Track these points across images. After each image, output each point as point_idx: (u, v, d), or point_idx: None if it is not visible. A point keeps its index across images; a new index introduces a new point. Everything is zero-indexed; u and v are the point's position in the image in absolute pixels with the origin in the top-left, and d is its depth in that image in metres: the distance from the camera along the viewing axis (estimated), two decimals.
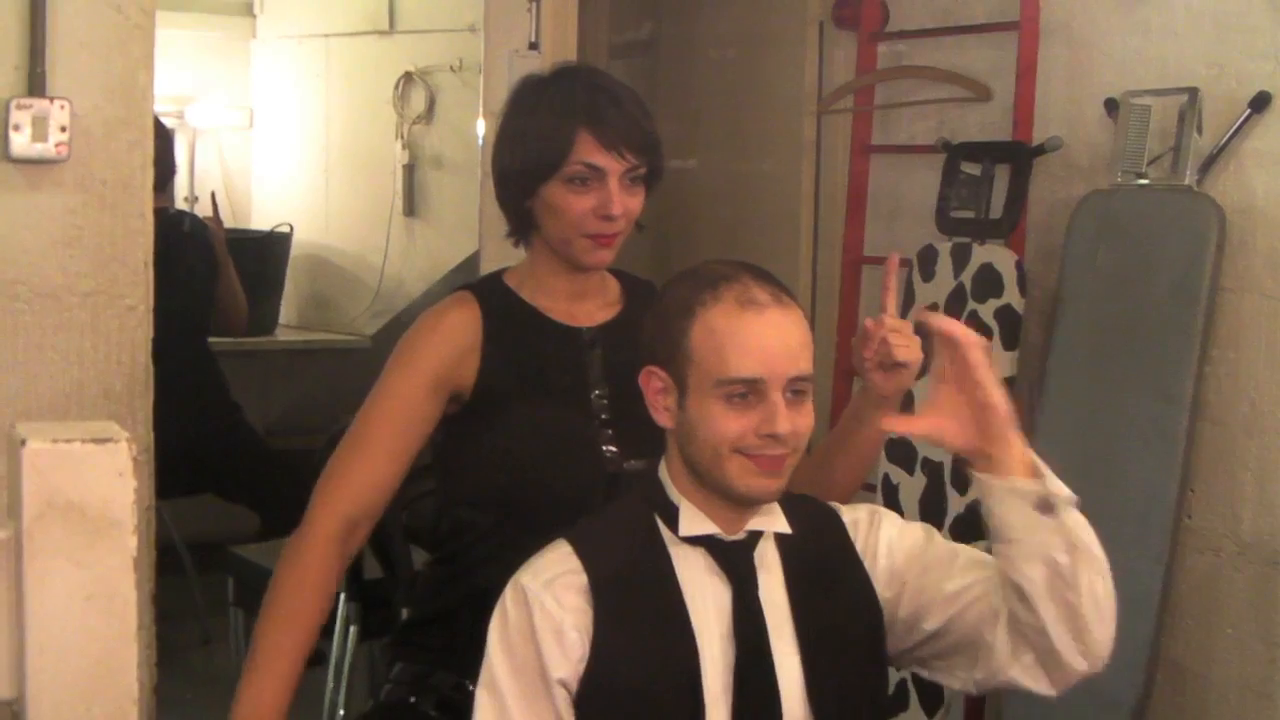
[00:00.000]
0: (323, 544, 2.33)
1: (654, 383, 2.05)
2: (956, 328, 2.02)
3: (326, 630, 3.66)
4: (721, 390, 1.97)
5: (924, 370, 2.18)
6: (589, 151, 2.32)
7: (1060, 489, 1.97)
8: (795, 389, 1.98)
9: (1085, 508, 3.35)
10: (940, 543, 2.14)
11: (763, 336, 1.97)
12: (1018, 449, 1.99)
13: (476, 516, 2.40)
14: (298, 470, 4.82)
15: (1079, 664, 1.97)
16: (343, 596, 3.58)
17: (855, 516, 2.16)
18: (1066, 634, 1.96)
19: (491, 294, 2.45)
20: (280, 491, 4.81)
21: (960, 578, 2.07)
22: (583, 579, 1.99)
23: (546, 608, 1.96)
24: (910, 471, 3.84)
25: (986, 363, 1.99)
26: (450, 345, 2.38)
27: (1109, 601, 1.99)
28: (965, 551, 2.12)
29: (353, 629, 3.58)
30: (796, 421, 1.98)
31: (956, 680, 2.09)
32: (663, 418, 2.05)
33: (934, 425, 2.02)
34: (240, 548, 4.14)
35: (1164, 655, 3.34)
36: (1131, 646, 3.22)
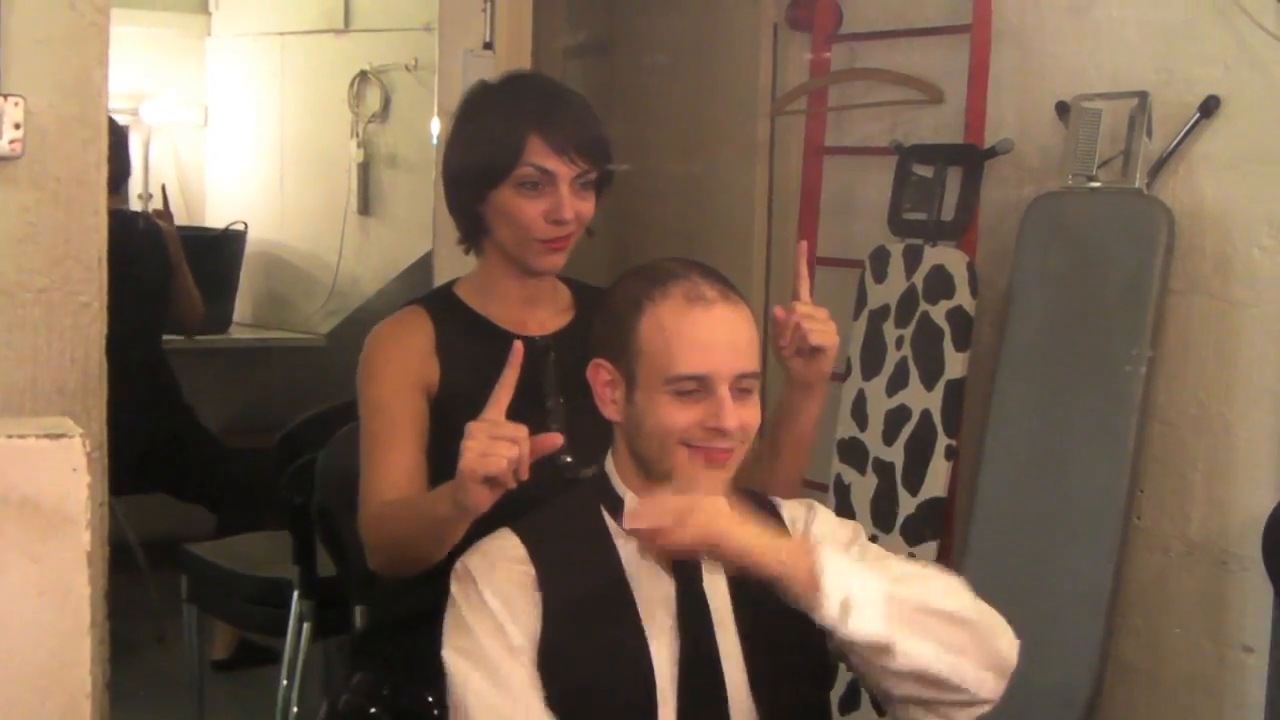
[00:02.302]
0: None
1: (601, 375, 2.07)
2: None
3: (279, 628, 3.66)
4: (670, 386, 1.99)
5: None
6: (540, 155, 2.33)
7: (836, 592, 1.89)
8: (742, 386, 2.01)
9: (1036, 507, 3.39)
10: (867, 545, 2.15)
11: (710, 333, 2.00)
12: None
13: None
14: (252, 468, 4.84)
15: (995, 691, 1.94)
16: (296, 594, 3.57)
17: (794, 514, 2.18)
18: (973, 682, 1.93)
19: (441, 307, 2.46)
20: (235, 490, 4.80)
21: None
22: (530, 571, 2.00)
23: (496, 583, 1.99)
24: (862, 471, 3.84)
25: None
26: (410, 350, 2.39)
27: (987, 621, 1.95)
28: (894, 562, 2.10)
29: (306, 626, 3.57)
30: (743, 417, 2.00)
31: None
32: (610, 411, 2.07)
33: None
34: (195, 545, 4.12)
35: (1114, 654, 3.35)
36: (1082, 645, 3.25)
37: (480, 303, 2.45)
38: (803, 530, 2.15)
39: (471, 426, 1.98)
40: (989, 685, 1.93)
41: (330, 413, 3.49)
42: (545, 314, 2.47)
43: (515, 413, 2.34)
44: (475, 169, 2.38)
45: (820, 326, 2.28)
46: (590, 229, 2.45)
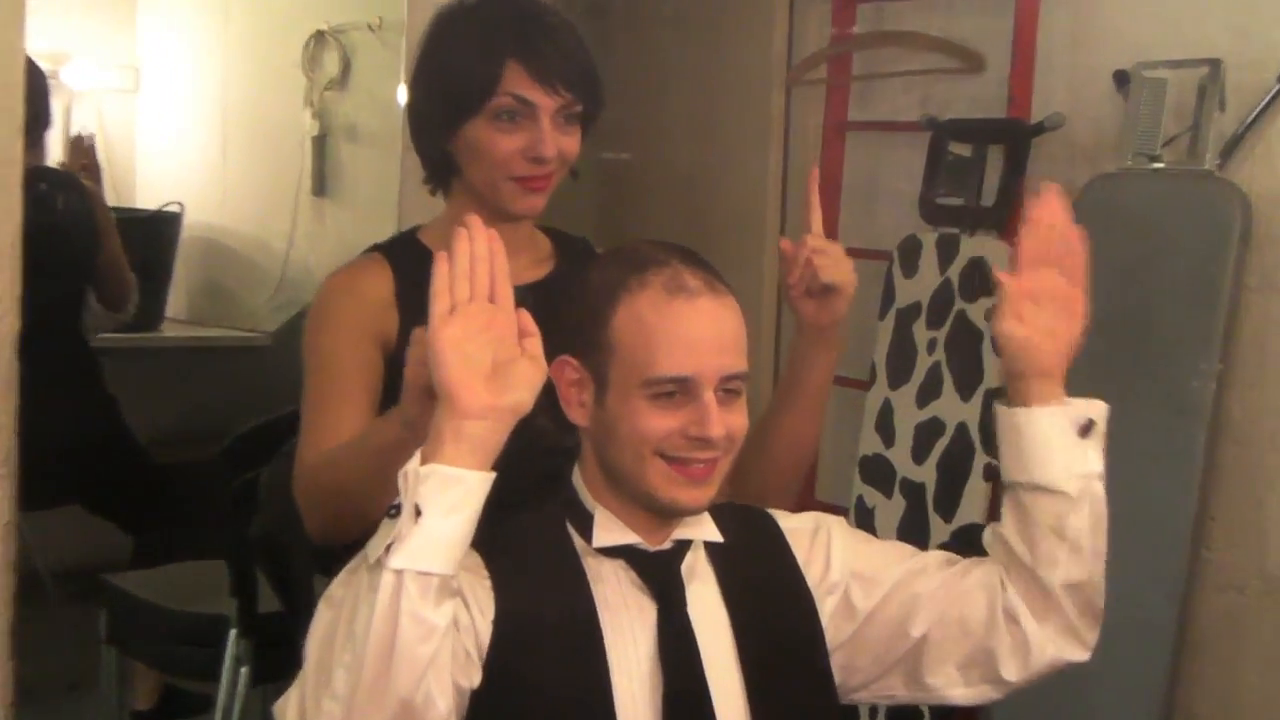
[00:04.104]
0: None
1: (568, 374, 2.04)
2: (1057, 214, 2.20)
3: (212, 672, 3.64)
4: (648, 390, 1.97)
5: None
6: (518, 84, 2.33)
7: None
8: (729, 388, 1.99)
9: None
10: (897, 543, 2.23)
11: (694, 329, 1.98)
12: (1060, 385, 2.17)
13: None
14: (181, 487, 4.81)
15: (1100, 602, 2.19)
16: (233, 633, 3.55)
17: (795, 524, 2.19)
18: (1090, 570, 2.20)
19: (403, 254, 2.45)
20: (158, 510, 4.75)
21: (938, 572, 2.15)
22: (485, 582, 1.97)
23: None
24: (888, 493, 3.83)
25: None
26: (366, 300, 2.39)
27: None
28: (930, 554, 2.20)
29: (244, 670, 3.54)
30: (730, 423, 1.98)
31: (974, 687, 2.15)
32: (576, 414, 2.05)
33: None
34: (115, 575, 4.10)
35: (1180, 705, 3.35)
36: (1143, 696, 3.23)
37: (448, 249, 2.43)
38: (809, 544, 2.15)
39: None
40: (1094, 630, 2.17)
41: (277, 423, 3.47)
42: (522, 263, 2.44)
43: None
44: (445, 99, 2.38)
45: (833, 262, 2.30)
46: (574, 170, 2.45)
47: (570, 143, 2.39)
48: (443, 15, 2.45)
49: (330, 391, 2.35)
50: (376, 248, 2.51)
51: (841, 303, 2.32)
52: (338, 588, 1.83)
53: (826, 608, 2.13)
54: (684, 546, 2.06)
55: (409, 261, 2.42)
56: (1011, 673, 2.12)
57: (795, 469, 2.49)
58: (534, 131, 2.33)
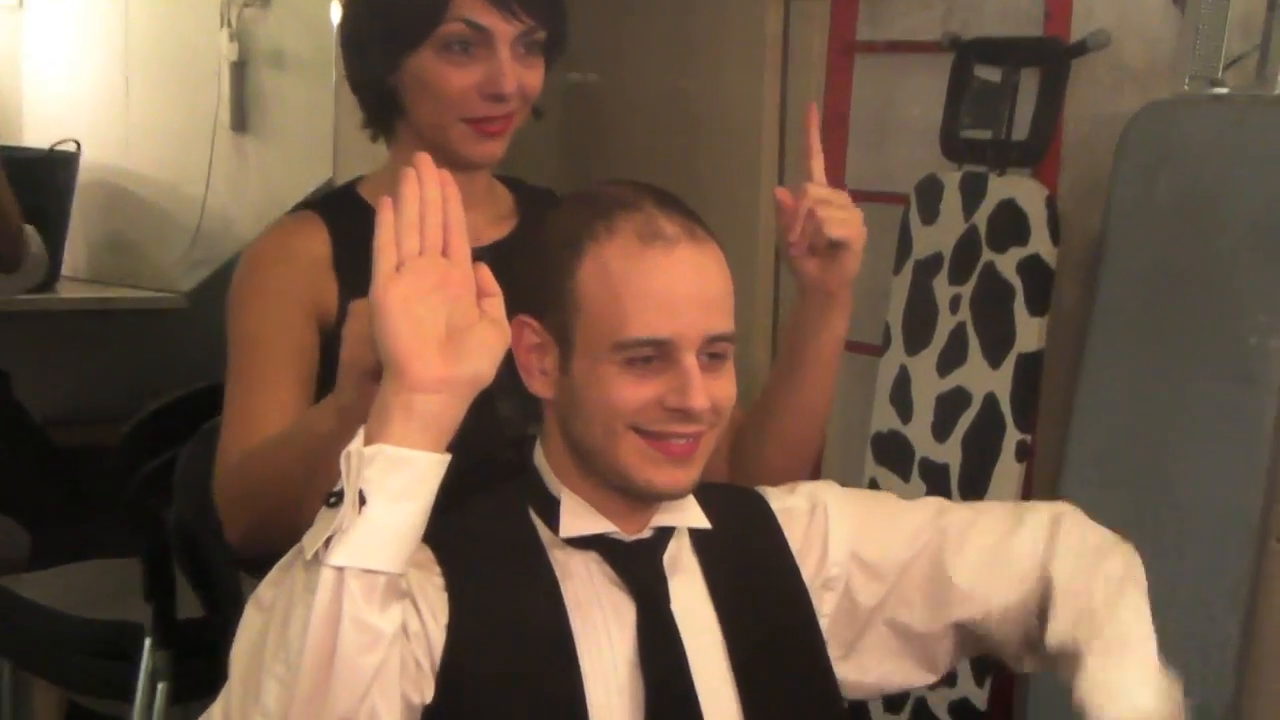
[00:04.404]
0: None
1: (527, 337, 2.04)
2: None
3: (124, 689, 3.64)
4: (620, 355, 1.97)
5: None
6: (471, 7, 2.32)
7: None
8: (714, 351, 2.00)
9: (1137, 525, 3.38)
10: (909, 504, 2.26)
11: (672, 283, 1.98)
12: None
13: None
14: (84, 474, 4.80)
15: None
16: (148, 643, 3.55)
17: (788, 504, 2.20)
18: None
19: (341, 212, 2.45)
20: (58, 501, 4.76)
21: (969, 543, 2.20)
22: (437, 578, 1.97)
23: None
24: (905, 475, 3.84)
25: None
26: (298, 268, 2.39)
27: None
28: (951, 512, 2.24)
29: (161, 686, 3.55)
30: (715, 392, 1.99)
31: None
32: (538, 384, 2.05)
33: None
34: (7, 577, 4.10)
35: None
36: (1201, 711, 3.24)
37: None
38: (805, 527, 2.18)
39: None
40: None
41: (194, 397, 3.49)
42: (480, 219, 2.44)
43: None
44: (386, 26, 2.37)
45: (840, 214, 2.30)
46: (537, 108, 2.45)
47: (533, 76, 2.38)
48: None
49: (256, 376, 2.35)
50: (308, 205, 2.50)
51: (851, 261, 2.31)
52: (268, 589, 1.82)
53: (825, 606, 2.15)
54: (665, 535, 2.07)
55: (347, 220, 2.42)
56: None
57: (803, 449, 2.49)
58: (490, 63, 2.32)
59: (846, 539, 2.17)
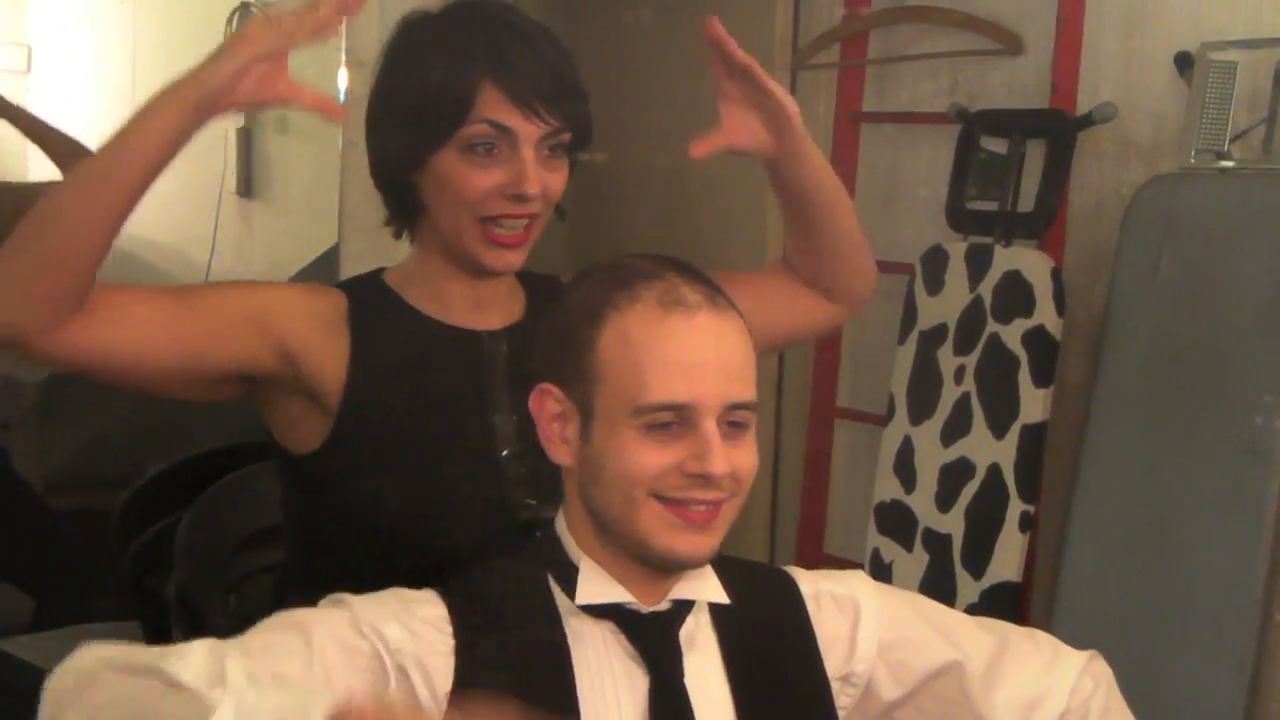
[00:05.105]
0: None
1: (549, 406, 2.03)
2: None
3: None
4: (639, 420, 1.96)
5: None
6: (495, 108, 2.29)
7: None
8: (734, 419, 1.98)
9: (1141, 597, 3.37)
10: (943, 616, 2.23)
11: (692, 349, 1.97)
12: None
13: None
14: (81, 539, 4.78)
15: None
16: None
17: (820, 588, 2.16)
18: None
19: (363, 289, 2.42)
20: (59, 564, 4.75)
21: (1013, 680, 2.16)
22: (448, 639, 1.96)
23: (403, 619, 1.94)
24: (908, 546, 3.83)
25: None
26: (306, 309, 2.34)
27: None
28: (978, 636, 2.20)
29: None
30: (735, 460, 1.97)
31: None
32: (559, 453, 2.04)
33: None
34: (7, 641, 4.08)
35: None
36: None
37: (415, 296, 2.42)
38: (834, 619, 2.14)
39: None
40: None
41: (193, 464, 3.46)
42: (494, 315, 2.44)
43: (455, 431, 2.32)
44: (408, 124, 2.34)
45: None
46: (561, 208, 2.42)
47: (557, 179, 2.35)
48: (407, 25, 2.41)
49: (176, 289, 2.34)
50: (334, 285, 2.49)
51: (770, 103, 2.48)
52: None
53: (843, 699, 2.13)
54: (684, 608, 2.04)
55: (368, 294, 2.39)
56: None
57: (837, 220, 2.60)
58: (514, 164, 2.28)
59: (875, 636, 2.15)
